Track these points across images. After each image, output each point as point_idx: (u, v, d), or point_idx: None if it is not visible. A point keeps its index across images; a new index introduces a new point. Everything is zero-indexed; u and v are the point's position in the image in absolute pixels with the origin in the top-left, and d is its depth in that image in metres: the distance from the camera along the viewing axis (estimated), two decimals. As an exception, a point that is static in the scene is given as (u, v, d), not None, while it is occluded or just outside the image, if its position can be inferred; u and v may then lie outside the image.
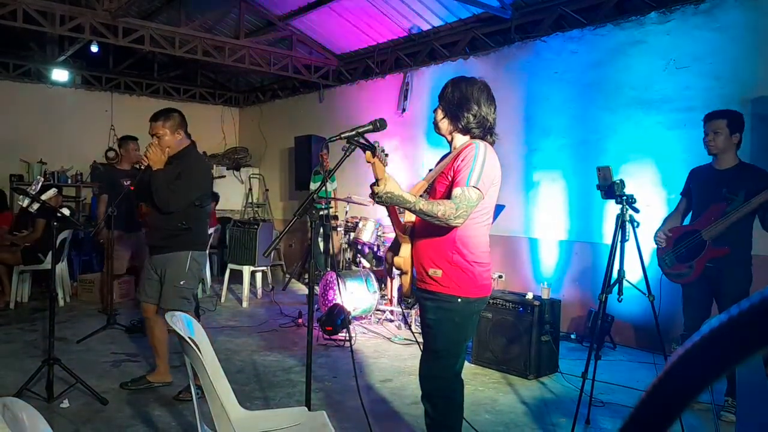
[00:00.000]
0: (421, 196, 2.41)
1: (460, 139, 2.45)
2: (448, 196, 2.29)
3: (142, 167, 3.70)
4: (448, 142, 2.52)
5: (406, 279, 2.55)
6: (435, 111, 2.50)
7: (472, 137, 2.42)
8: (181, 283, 3.71)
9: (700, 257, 3.56)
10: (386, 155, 2.21)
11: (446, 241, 2.34)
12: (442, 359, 2.43)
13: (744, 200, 3.41)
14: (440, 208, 2.18)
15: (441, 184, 2.39)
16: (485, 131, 2.43)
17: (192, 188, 3.67)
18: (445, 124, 2.46)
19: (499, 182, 2.40)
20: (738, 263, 3.51)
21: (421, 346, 2.54)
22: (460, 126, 2.42)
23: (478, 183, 2.23)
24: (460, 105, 2.40)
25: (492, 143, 2.45)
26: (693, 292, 3.69)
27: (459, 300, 2.34)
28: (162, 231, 3.72)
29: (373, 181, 2.17)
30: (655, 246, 3.84)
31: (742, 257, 3.53)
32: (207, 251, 4.04)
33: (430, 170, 2.56)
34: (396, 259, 2.52)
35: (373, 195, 2.19)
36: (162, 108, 3.87)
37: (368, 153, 2.14)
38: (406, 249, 2.50)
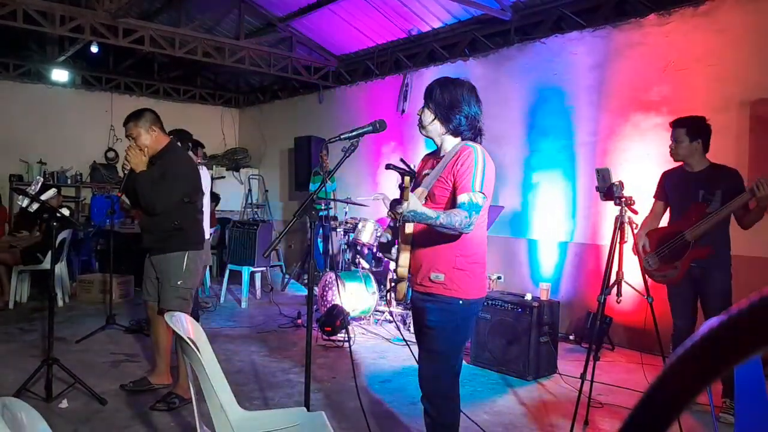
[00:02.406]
0: (423, 204, 2.41)
1: (450, 141, 2.45)
2: (451, 201, 2.30)
3: (126, 172, 3.68)
4: (436, 144, 2.51)
5: (403, 285, 2.55)
6: (421, 113, 2.48)
7: (463, 139, 2.43)
8: (179, 283, 3.66)
9: (684, 258, 3.60)
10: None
11: (448, 246, 2.35)
12: (442, 360, 2.43)
13: (721, 200, 3.49)
14: (456, 219, 2.19)
15: (440, 190, 2.38)
16: (475, 133, 2.45)
17: (176, 186, 3.61)
18: (435, 126, 2.45)
19: (494, 183, 2.43)
20: (721, 263, 3.59)
21: (414, 351, 2.53)
22: (451, 128, 2.42)
23: (482, 187, 2.26)
24: (451, 107, 2.39)
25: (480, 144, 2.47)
26: (679, 292, 3.74)
27: (460, 302, 2.35)
28: (155, 233, 3.69)
29: (395, 198, 2.15)
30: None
31: (725, 257, 3.62)
32: (207, 249, 3.91)
33: (427, 173, 2.52)
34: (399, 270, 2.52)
35: (397, 213, 2.17)
36: (152, 110, 3.84)
37: (407, 179, 2.12)
38: (405, 258, 2.50)
